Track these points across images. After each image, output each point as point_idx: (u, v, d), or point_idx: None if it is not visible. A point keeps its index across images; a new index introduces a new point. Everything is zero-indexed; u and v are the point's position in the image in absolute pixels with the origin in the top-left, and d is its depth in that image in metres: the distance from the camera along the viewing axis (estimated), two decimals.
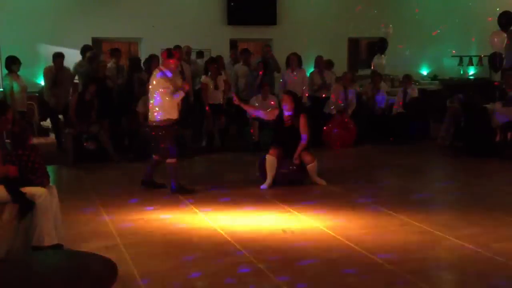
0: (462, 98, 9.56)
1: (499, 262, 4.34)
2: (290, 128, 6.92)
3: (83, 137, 8.47)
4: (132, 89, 9.37)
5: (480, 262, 4.36)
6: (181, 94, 6.53)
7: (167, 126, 6.53)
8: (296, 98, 7.12)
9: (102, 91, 8.86)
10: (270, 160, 6.79)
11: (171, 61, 6.50)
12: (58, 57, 9.47)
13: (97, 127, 8.57)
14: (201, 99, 9.49)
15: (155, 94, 6.47)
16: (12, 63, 8.74)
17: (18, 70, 8.86)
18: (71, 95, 9.36)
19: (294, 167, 6.91)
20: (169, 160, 6.57)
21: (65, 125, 8.69)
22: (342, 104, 9.95)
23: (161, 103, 6.43)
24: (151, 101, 6.55)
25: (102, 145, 8.54)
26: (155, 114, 6.48)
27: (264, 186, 6.78)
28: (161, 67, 6.63)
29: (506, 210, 5.78)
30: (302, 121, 6.88)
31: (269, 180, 6.80)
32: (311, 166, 6.86)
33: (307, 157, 6.86)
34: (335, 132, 9.68)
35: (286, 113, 6.97)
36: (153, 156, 6.83)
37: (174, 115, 6.55)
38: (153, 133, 6.63)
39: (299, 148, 6.83)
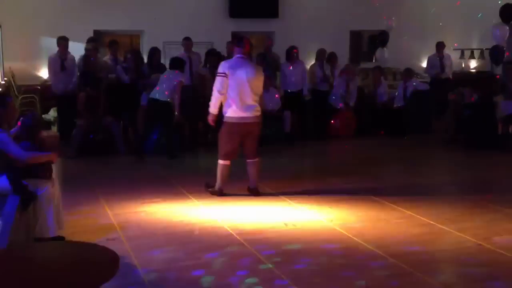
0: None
1: (500, 255, 4.35)
2: None
3: (92, 129, 8.49)
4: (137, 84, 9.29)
5: (482, 255, 4.38)
6: None
7: None
8: None
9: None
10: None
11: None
12: (63, 40, 9.36)
13: (110, 119, 8.62)
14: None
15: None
16: None
17: None
18: (76, 86, 9.25)
19: None
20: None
21: (77, 117, 8.67)
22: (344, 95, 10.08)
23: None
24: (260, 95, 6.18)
25: (113, 137, 8.56)
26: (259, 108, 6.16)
27: None
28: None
29: (508, 203, 5.78)
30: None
31: None
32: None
33: None
34: (340, 123, 9.99)
35: None
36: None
37: None
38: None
39: None
